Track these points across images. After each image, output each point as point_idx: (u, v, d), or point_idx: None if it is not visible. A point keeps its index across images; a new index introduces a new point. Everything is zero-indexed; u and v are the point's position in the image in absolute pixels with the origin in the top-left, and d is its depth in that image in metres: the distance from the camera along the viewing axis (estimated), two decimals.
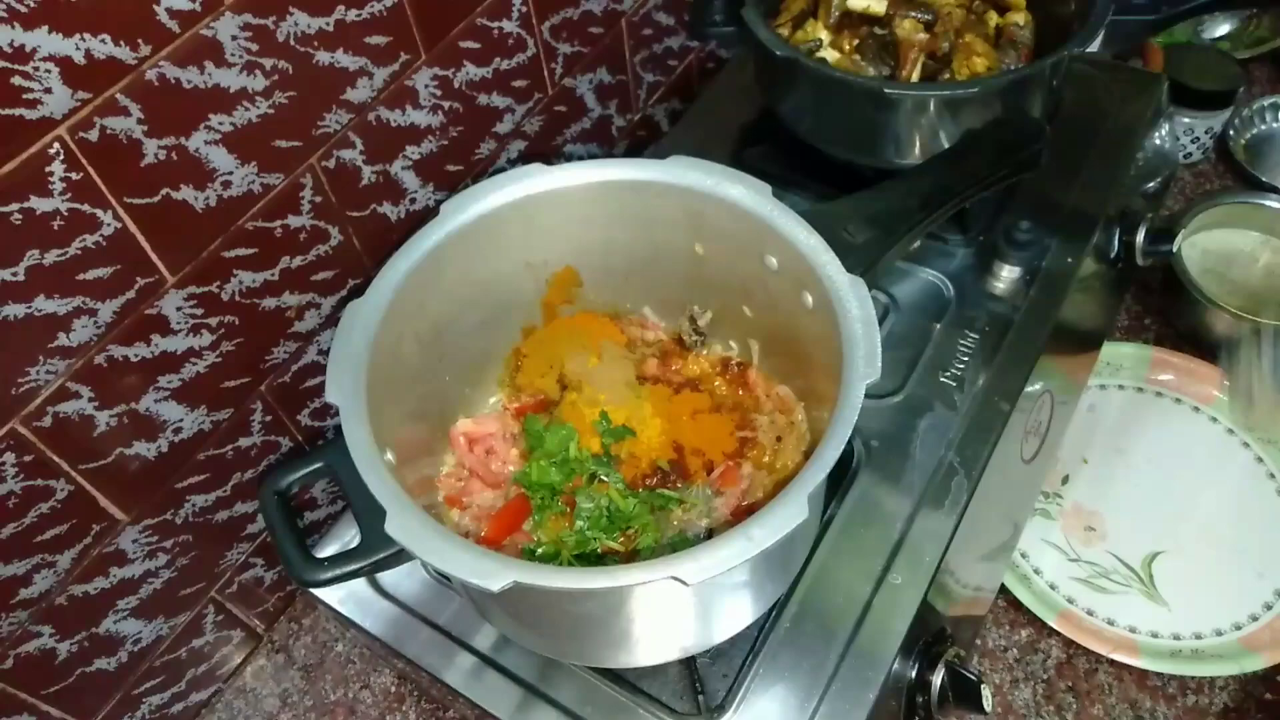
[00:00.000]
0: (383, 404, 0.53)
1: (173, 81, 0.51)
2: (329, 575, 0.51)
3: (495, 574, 0.44)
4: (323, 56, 0.59)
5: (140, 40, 0.48)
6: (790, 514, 0.45)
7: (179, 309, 0.57)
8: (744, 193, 0.58)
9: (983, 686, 0.59)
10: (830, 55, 0.78)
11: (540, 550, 0.58)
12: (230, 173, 0.56)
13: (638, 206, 0.62)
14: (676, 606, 0.52)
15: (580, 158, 0.62)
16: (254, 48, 0.54)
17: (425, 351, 0.61)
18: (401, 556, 0.49)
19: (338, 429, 0.59)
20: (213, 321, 0.60)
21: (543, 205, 0.62)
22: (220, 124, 0.54)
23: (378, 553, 0.50)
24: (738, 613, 0.56)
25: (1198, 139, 1.04)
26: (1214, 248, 0.96)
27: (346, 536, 0.70)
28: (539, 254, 0.65)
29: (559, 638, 0.57)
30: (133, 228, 0.52)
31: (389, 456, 0.51)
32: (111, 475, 0.57)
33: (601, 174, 0.61)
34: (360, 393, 0.52)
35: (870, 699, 0.56)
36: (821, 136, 0.79)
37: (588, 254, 0.66)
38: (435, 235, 0.59)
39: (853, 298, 0.53)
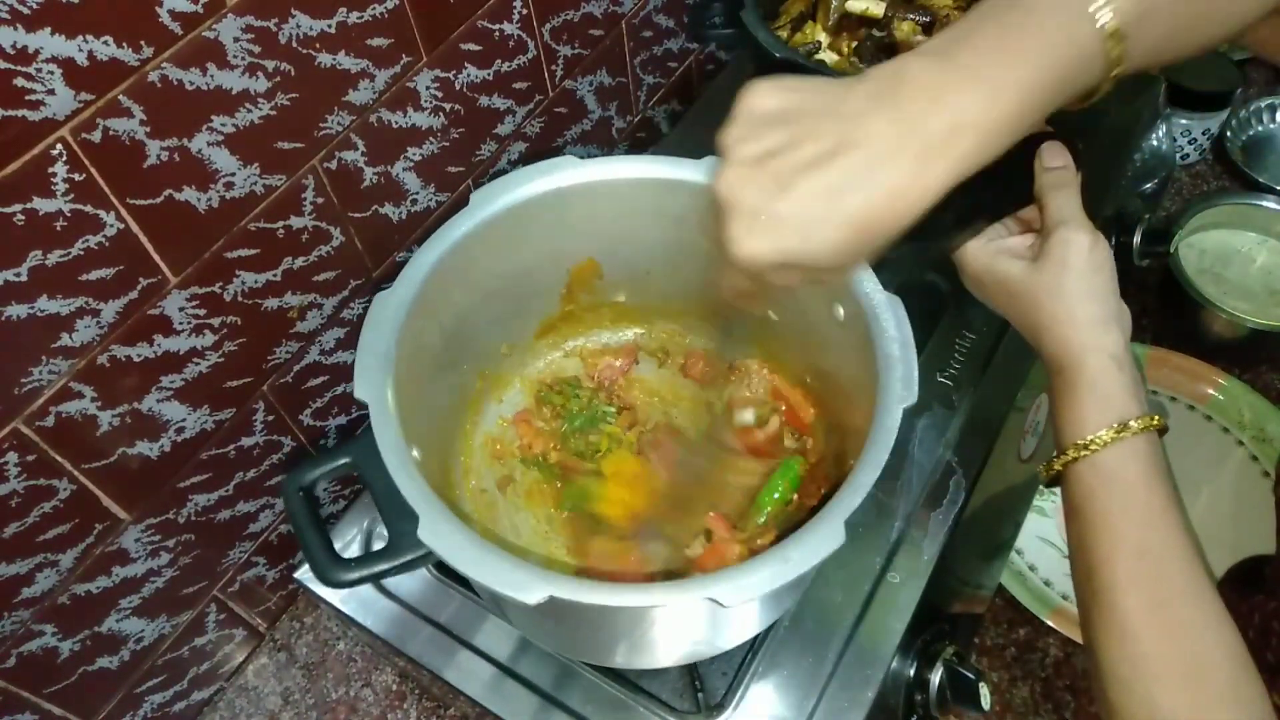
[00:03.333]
0: (407, 397, 0.53)
1: (175, 83, 0.51)
2: (356, 576, 0.49)
3: (531, 587, 0.43)
4: (324, 58, 0.59)
5: (143, 42, 0.49)
6: (827, 538, 0.44)
7: (181, 309, 0.57)
8: None
9: (981, 685, 0.60)
10: (829, 57, 0.78)
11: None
12: (232, 174, 0.56)
13: (668, 204, 0.62)
14: (693, 618, 0.51)
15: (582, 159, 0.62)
16: (256, 49, 0.54)
17: (447, 343, 0.61)
18: (430, 559, 0.48)
19: (341, 428, 0.59)
20: (215, 322, 0.60)
21: (573, 199, 0.61)
22: (223, 125, 0.55)
23: (407, 554, 0.48)
24: (749, 621, 0.57)
25: (1195, 140, 1.04)
26: (1211, 248, 0.96)
27: (349, 535, 0.70)
28: (565, 247, 0.65)
29: (576, 639, 0.58)
30: (135, 228, 0.53)
31: (415, 453, 0.51)
32: (114, 475, 0.58)
33: (633, 170, 0.61)
34: (388, 388, 0.51)
35: (869, 697, 0.57)
36: None
37: (613, 248, 0.66)
38: (464, 225, 0.58)
39: (890, 316, 0.52)
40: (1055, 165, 0.54)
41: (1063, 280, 0.50)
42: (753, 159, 0.40)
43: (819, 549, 0.44)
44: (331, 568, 0.50)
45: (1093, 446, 0.47)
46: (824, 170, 0.39)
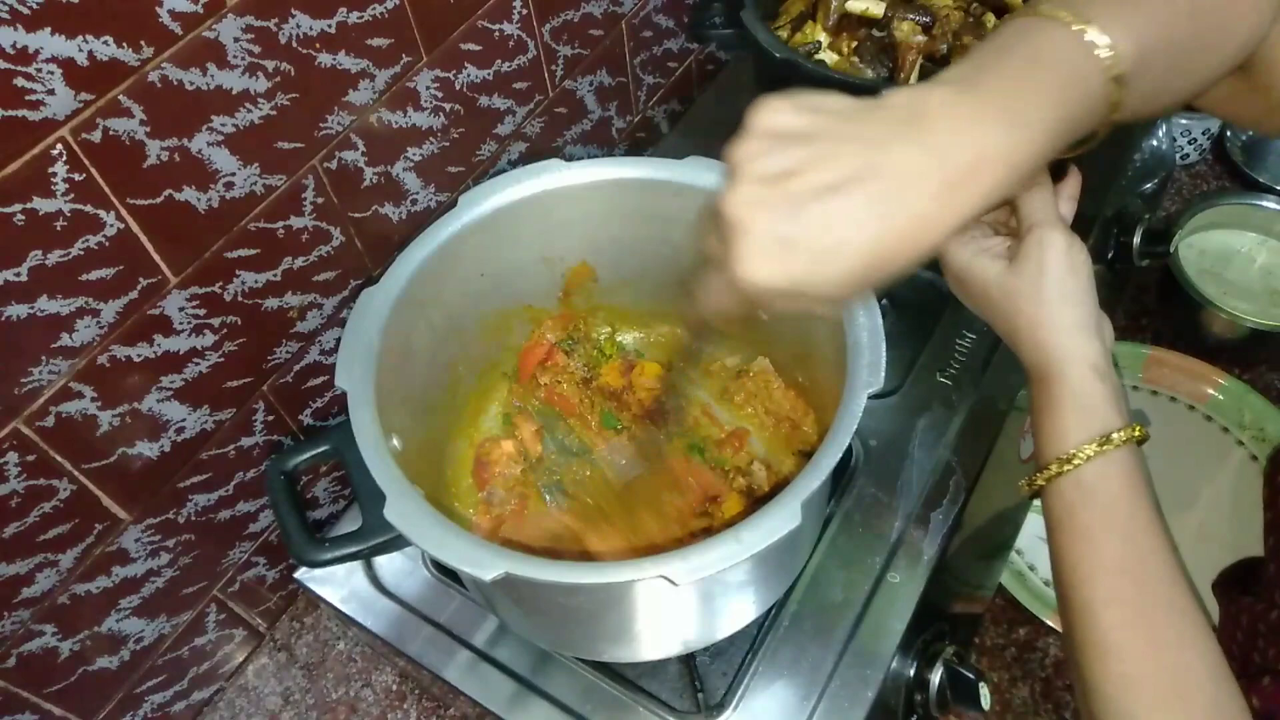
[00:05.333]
0: (392, 391, 0.54)
1: (175, 83, 0.51)
2: (330, 556, 0.51)
3: (488, 563, 0.44)
4: (324, 58, 0.59)
5: (142, 42, 0.49)
6: (782, 520, 0.45)
7: (181, 309, 0.57)
8: None
9: (981, 684, 0.60)
10: (829, 57, 0.78)
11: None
12: (233, 174, 0.56)
13: (654, 205, 0.63)
14: (673, 603, 0.52)
15: (581, 159, 0.62)
16: (256, 49, 0.54)
17: (438, 341, 0.61)
18: (400, 541, 0.49)
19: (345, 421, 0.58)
20: (215, 322, 0.60)
21: (559, 201, 0.62)
22: (223, 125, 0.55)
23: (377, 537, 0.50)
24: (737, 611, 0.57)
25: (1195, 140, 1.04)
26: (1211, 248, 0.96)
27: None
28: (555, 249, 0.66)
29: (558, 629, 0.58)
30: (135, 228, 0.53)
31: (395, 443, 0.52)
32: (114, 475, 0.58)
33: (618, 172, 0.62)
34: (369, 378, 0.52)
35: (869, 697, 0.57)
36: None
37: (604, 251, 0.67)
38: (451, 226, 0.59)
39: (860, 305, 0.53)
40: None
41: (1040, 283, 0.49)
42: (767, 178, 0.38)
43: (773, 530, 0.45)
44: (307, 547, 0.52)
45: (1075, 460, 0.46)
46: (844, 196, 0.37)
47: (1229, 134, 1.05)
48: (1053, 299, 0.49)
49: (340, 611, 0.66)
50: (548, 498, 0.65)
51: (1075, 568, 0.47)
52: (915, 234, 0.38)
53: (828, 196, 0.37)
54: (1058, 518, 0.48)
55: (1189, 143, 1.04)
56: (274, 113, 0.57)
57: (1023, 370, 0.52)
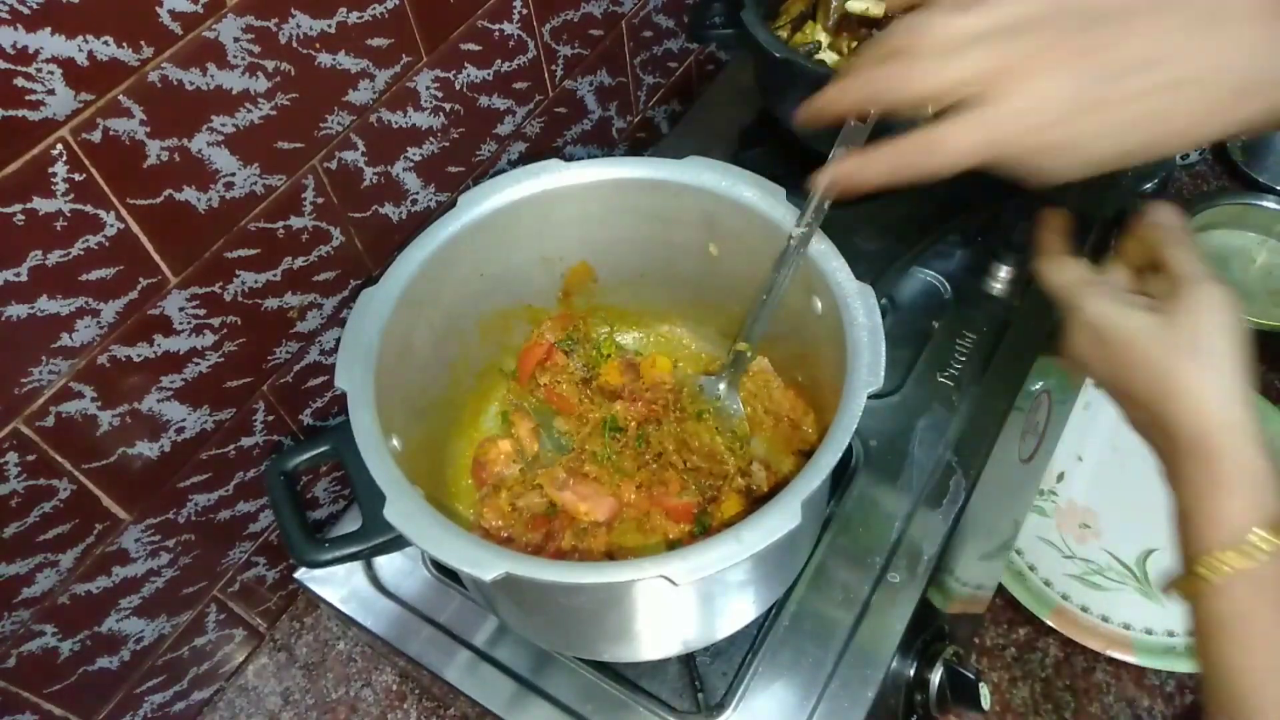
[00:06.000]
0: (391, 391, 0.54)
1: (175, 83, 0.51)
2: (330, 556, 0.51)
3: (488, 564, 0.44)
4: (324, 58, 0.59)
5: (143, 42, 0.49)
6: (783, 519, 0.45)
7: (181, 309, 0.57)
8: (758, 195, 0.59)
9: (981, 685, 0.60)
10: (829, 57, 0.78)
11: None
12: (233, 174, 0.57)
13: (653, 205, 0.63)
14: (673, 603, 0.52)
15: (581, 159, 0.62)
16: (256, 49, 0.54)
17: (438, 341, 0.61)
18: (400, 542, 0.49)
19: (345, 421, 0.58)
20: (215, 322, 0.60)
21: (558, 201, 0.62)
22: (223, 125, 0.55)
23: (377, 537, 0.50)
24: (737, 611, 0.57)
25: None
26: (1211, 248, 0.96)
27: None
28: (554, 249, 0.66)
29: (558, 629, 0.58)
30: (135, 228, 0.53)
31: (395, 443, 0.52)
32: (114, 475, 0.58)
33: (617, 172, 0.62)
34: (369, 378, 0.52)
35: (869, 697, 0.57)
36: (821, 139, 0.80)
37: (603, 250, 0.67)
38: (451, 226, 0.59)
39: (860, 305, 0.53)
40: (1171, 222, 0.50)
41: (1206, 343, 0.43)
42: (1077, 51, 0.38)
43: (773, 530, 0.45)
44: (307, 548, 0.52)
45: (1256, 556, 0.40)
46: (1157, 73, 0.37)
47: None
48: (1218, 361, 0.43)
49: (340, 611, 0.66)
50: (548, 445, 0.66)
51: (1247, 672, 0.41)
52: (1192, 129, 0.38)
53: (1142, 70, 0.37)
54: (1223, 620, 0.42)
55: None
56: (274, 113, 0.57)
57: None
